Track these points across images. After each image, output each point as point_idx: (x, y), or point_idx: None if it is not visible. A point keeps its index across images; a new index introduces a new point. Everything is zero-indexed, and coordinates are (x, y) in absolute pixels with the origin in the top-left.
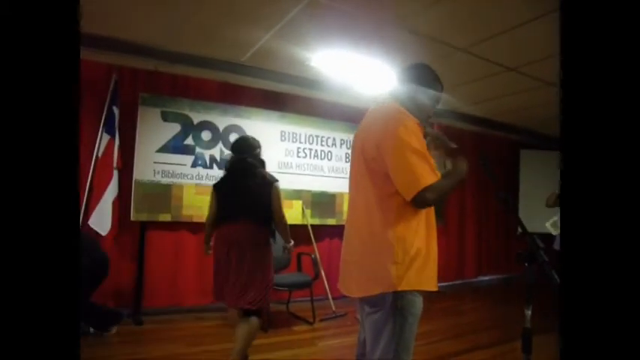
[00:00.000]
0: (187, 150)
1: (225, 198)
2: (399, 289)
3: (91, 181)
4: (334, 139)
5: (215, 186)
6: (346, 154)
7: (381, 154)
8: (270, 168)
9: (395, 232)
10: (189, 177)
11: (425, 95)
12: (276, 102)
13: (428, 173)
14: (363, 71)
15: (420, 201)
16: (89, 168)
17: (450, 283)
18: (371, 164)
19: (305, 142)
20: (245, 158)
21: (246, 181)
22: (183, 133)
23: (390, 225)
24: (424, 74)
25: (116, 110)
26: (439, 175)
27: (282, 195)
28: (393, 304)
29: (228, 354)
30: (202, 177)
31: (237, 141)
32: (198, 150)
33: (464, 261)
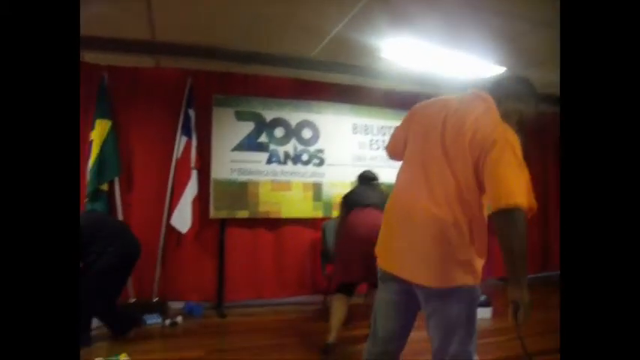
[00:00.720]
0: (262, 147)
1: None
2: (479, 282)
3: (172, 181)
4: None
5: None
6: None
7: (479, 147)
8: (343, 161)
9: (478, 226)
10: (264, 174)
11: (518, 114)
12: (347, 95)
13: (525, 194)
14: (438, 59)
15: (504, 214)
16: (169, 169)
17: (535, 275)
18: (451, 150)
19: (378, 134)
20: (369, 181)
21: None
22: (257, 131)
23: (474, 219)
24: (526, 90)
25: (192, 113)
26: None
27: None
28: (470, 297)
29: (308, 346)
30: (277, 173)
31: (362, 173)
32: (272, 147)
33: (549, 251)
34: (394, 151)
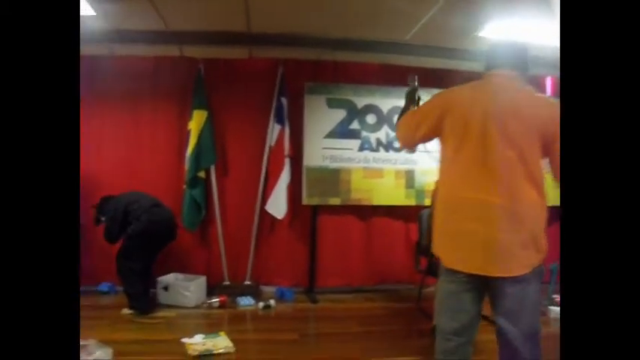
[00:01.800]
0: (353, 134)
1: None
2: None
3: (266, 169)
4: None
5: None
6: None
7: (551, 134)
8: (436, 148)
9: (543, 202)
10: (356, 161)
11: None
12: (439, 79)
13: None
14: (539, 36)
15: None
16: (263, 157)
17: None
18: (514, 134)
19: None
20: None
21: None
22: (349, 118)
23: (541, 196)
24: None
25: (284, 101)
26: None
27: None
28: (541, 272)
29: (397, 335)
30: (369, 160)
31: None
32: (364, 134)
33: None
34: (420, 134)
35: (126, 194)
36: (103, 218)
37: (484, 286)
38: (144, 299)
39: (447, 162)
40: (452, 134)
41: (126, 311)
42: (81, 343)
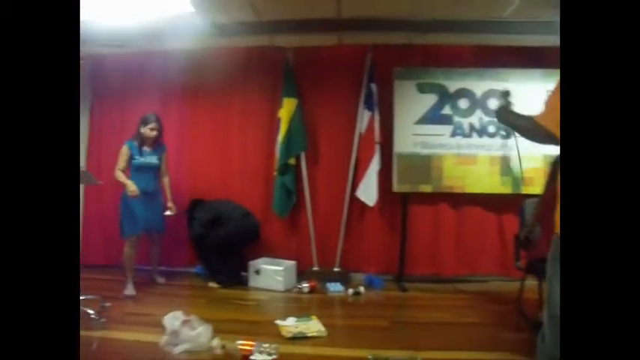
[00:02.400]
0: (445, 120)
1: None
2: None
3: (356, 156)
4: None
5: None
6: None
7: None
8: None
9: None
10: (448, 147)
11: None
12: (539, 58)
13: None
14: None
15: None
16: (353, 144)
17: None
18: None
19: None
20: None
21: None
22: (440, 103)
23: None
24: None
25: (374, 87)
26: None
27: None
28: None
29: (489, 328)
30: (462, 146)
31: None
32: (456, 119)
33: None
34: None
35: (217, 202)
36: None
37: None
38: (225, 274)
39: None
40: None
41: (212, 284)
42: (184, 318)
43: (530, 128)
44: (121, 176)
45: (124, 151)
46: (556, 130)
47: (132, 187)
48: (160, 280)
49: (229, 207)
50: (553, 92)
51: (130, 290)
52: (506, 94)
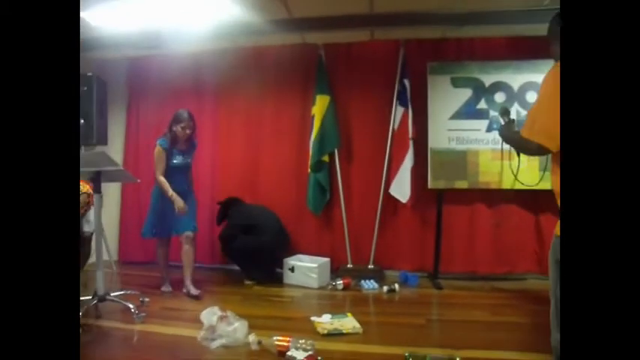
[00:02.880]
0: (481, 114)
1: None
2: None
3: (390, 152)
4: None
5: None
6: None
7: None
8: None
9: None
10: (484, 142)
11: None
12: None
13: None
14: None
15: None
16: (386, 140)
17: None
18: None
19: None
20: None
21: None
22: (475, 98)
23: None
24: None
25: (407, 82)
26: None
27: None
28: None
29: (526, 328)
30: (498, 141)
31: None
32: (492, 113)
33: None
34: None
35: (252, 207)
36: (227, 220)
37: None
38: (259, 271)
39: None
40: None
41: (247, 282)
42: (221, 313)
43: (520, 143)
44: (165, 184)
45: (160, 155)
46: (541, 139)
47: (180, 203)
48: (194, 292)
49: (264, 215)
50: (533, 104)
51: (166, 287)
52: (505, 112)
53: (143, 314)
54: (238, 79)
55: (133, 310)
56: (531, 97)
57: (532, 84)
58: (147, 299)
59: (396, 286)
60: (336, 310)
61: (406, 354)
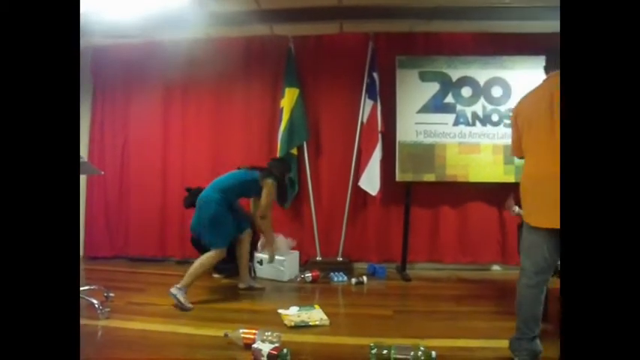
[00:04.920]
0: (448, 108)
1: None
2: None
3: (359, 145)
4: None
5: None
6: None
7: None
8: None
9: None
10: (451, 136)
11: None
12: (542, 45)
13: None
14: None
15: None
16: (355, 133)
17: None
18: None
19: None
20: None
21: None
22: (443, 92)
23: None
24: None
25: (376, 76)
26: None
27: None
28: None
29: (491, 316)
30: (465, 135)
31: None
32: (459, 107)
33: None
34: (519, 152)
35: None
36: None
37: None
38: (228, 264)
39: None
40: (522, 137)
41: (215, 275)
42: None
43: None
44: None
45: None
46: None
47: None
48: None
49: None
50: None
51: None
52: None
53: (107, 309)
54: (207, 70)
55: (97, 306)
56: (496, 92)
57: (497, 79)
58: (112, 294)
59: (365, 278)
60: (305, 302)
61: (371, 344)
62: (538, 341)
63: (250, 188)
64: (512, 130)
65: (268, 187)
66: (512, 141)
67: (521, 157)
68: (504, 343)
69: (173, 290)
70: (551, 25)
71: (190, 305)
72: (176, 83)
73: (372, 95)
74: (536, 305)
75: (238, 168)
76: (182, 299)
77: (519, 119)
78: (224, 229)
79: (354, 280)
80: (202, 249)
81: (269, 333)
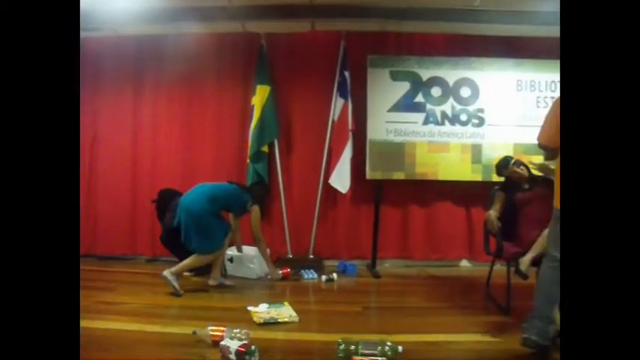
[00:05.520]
0: (418, 108)
1: None
2: None
3: (329, 143)
4: None
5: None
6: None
7: None
8: (506, 122)
9: None
10: (421, 135)
11: None
12: (511, 48)
13: None
14: None
15: None
16: (326, 131)
17: None
18: None
19: (546, 90)
20: None
21: None
22: (413, 91)
23: None
24: None
25: (347, 74)
26: None
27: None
28: None
29: (459, 311)
30: (434, 134)
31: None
32: (429, 107)
33: None
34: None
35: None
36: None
37: None
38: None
39: None
40: None
41: (186, 273)
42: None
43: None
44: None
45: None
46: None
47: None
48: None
49: None
50: (551, 108)
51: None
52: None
53: None
54: (178, 66)
55: None
56: (465, 92)
57: (466, 80)
58: None
59: (335, 275)
60: (275, 300)
61: (339, 340)
62: (552, 327)
63: (237, 206)
64: (553, 119)
65: (256, 213)
66: (551, 127)
67: (555, 147)
68: (471, 337)
69: (168, 275)
70: (518, 28)
71: (182, 291)
72: (146, 79)
73: (343, 94)
74: (554, 286)
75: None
76: (177, 285)
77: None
78: (213, 236)
79: (324, 278)
80: (172, 247)
81: (237, 330)
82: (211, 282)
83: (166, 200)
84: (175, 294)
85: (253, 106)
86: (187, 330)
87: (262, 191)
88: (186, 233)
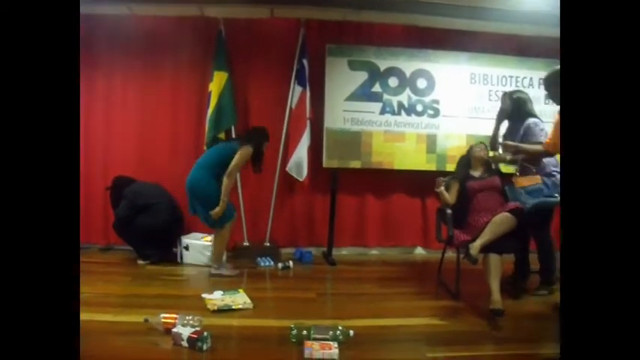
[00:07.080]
0: (375, 97)
1: None
2: None
3: (287, 131)
4: (531, 79)
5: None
6: (545, 95)
7: None
8: (460, 113)
9: None
10: (377, 124)
11: None
12: (465, 42)
13: None
14: None
15: None
16: (284, 119)
17: None
18: None
19: (497, 84)
20: None
21: None
22: (370, 81)
23: None
24: None
25: (306, 63)
26: None
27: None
28: None
29: (411, 297)
30: (391, 124)
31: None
32: (385, 97)
33: None
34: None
35: (147, 186)
36: (122, 200)
37: None
38: (153, 250)
39: None
40: None
41: (141, 262)
42: None
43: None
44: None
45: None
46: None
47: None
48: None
49: (159, 195)
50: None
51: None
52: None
53: None
54: (133, 48)
55: None
56: (421, 83)
57: (423, 71)
58: None
59: (291, 262)
60: (230, 287)
61: (292, 325)
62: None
63: (229, 158)
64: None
65: (243, 151)
66: (555, 137)
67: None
68: (420, 321)
69: (214, 272)
70: (472, 23)
71: (237, 271)
72: (99, 62)
73: (301, 82)
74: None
75: (215, 142)
76: (227, 272)
77: None
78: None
79: (280, 265)
80: (126, 236)
81: (190, 317)
82: (213, 271)
83: (121, 188)
84: (235, 277)
85: (210, 92)
86: (139, 318)
87: (258, 133)
88: (199, 212)
